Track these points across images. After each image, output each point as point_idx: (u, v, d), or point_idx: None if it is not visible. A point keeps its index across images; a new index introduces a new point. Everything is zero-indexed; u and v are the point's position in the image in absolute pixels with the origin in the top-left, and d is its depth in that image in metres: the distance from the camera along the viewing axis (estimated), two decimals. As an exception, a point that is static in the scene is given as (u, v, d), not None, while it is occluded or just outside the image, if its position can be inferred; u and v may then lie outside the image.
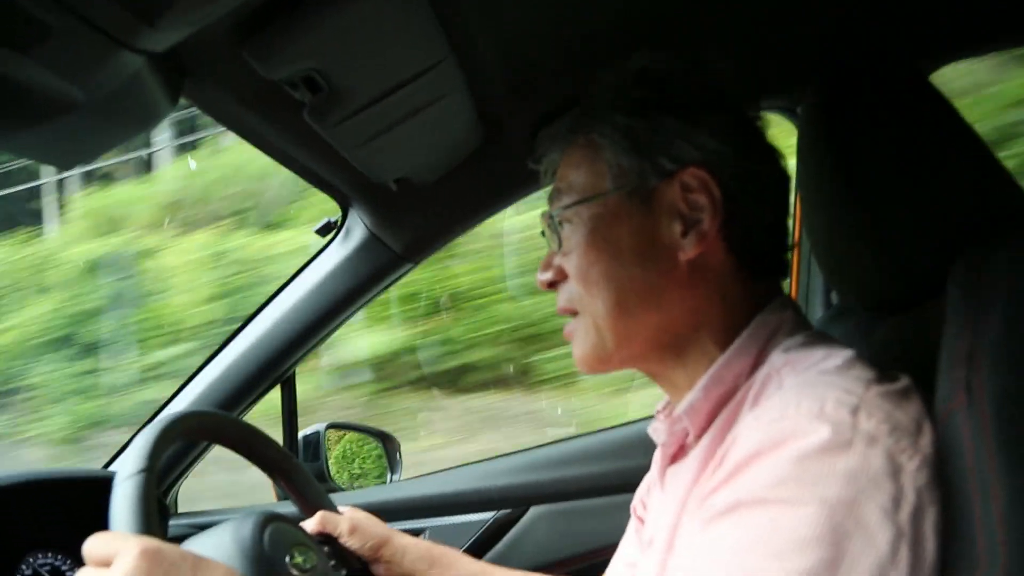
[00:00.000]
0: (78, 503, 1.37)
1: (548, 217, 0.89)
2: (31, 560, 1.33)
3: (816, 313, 1.51)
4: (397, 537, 1.10)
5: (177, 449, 1.56)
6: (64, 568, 1.35)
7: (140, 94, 0.75)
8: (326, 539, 1.05)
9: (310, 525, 1.05)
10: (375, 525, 1.10)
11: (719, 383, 0.80)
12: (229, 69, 0.85)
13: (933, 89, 0.85)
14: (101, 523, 0.80)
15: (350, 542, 1.05)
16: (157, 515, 0.80)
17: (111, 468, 1.56)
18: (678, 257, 0.82)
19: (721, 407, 0.80)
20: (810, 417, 0.66)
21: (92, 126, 0.75)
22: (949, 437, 0.66)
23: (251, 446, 1.08)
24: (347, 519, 1.07)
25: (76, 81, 0.67)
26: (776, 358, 0.78)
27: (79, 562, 0.74)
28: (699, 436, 0.81)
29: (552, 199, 0.91)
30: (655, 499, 0.93)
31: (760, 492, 0.65)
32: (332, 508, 1.11)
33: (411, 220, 1.39)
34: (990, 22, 1.10)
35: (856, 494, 0.62)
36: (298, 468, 1.13)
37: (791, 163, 0.91)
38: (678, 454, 0.86)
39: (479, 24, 0.95)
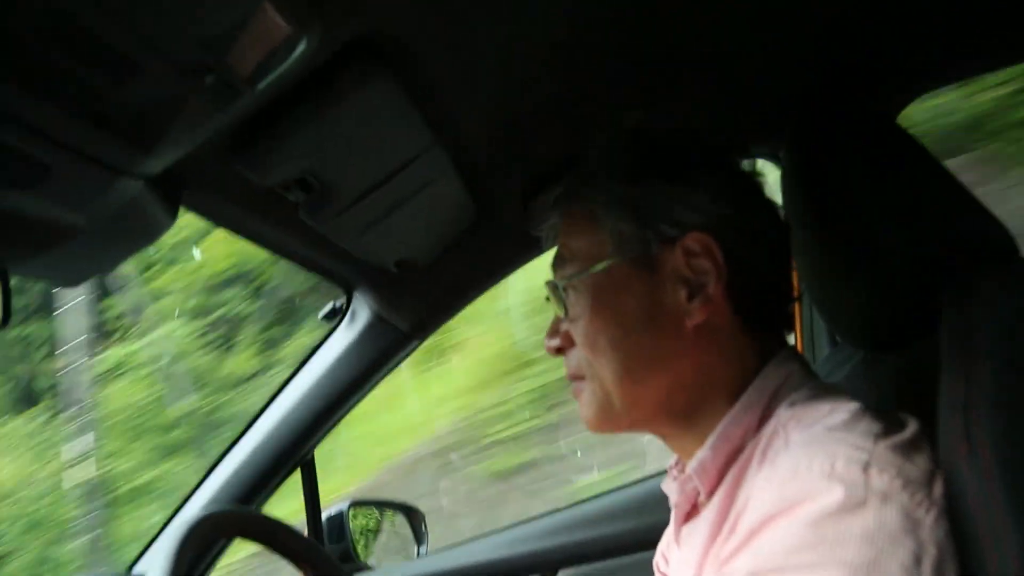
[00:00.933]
0: None
1: (552, 285, 0.89)
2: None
3: (823, 355, 1.51)
4: None
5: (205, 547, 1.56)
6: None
7: (140, 213, 0.78)
8: None
9: None
10: None
11: (727, 440, 0.79)
12: (224, 179, 0.88)
13: (899, 129, 0.87)
14: None
15: None
16: None
17: (136, 571, 1.56)
18: (684, 322, 0.81)
19: (730, 464, 0.79)
20: (822, 477, 0.65)
21: (95, 248, 0.78)
22: (955, 486, 0.66)
23: (275, 537, 1.09)
24: None
25: (77, 209, 0.70)
26: (782, 413, 0.77)
27: None
28: (710, 494, 0.80)
29: (555, 266, 0.90)
30: (673, 557, 0.92)
31: (779, 560, 0.63)
32: None
33: (414, 299, 1.41)
34: (949, 58, 1.13)
35: (876, 554, 0.60)
36: (323, 556, 1.14)
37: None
38: (691, 513, 0.86)
39: (459, 109, 0.98)
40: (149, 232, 0.82)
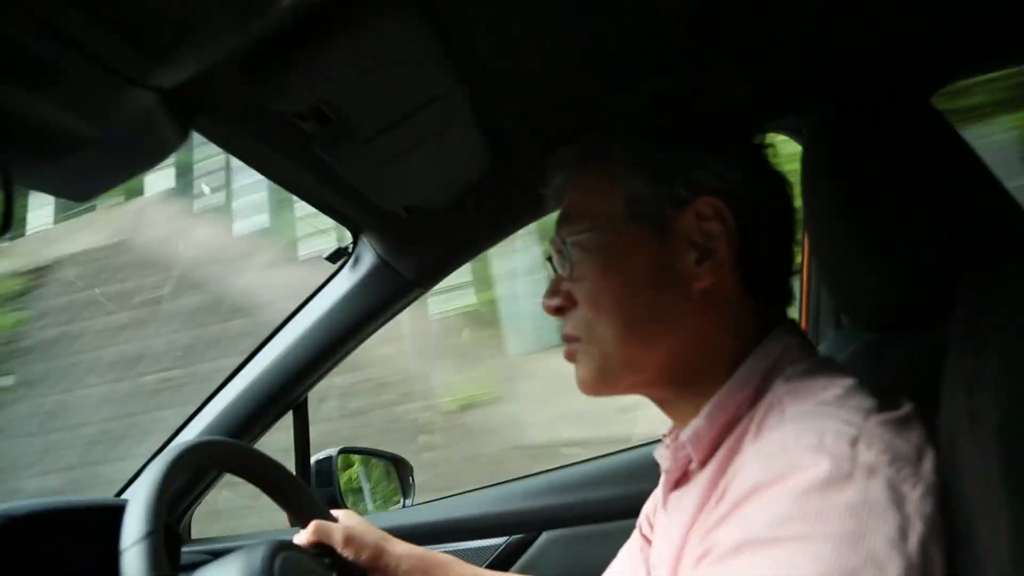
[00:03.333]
0: (93, 531, 1.37)
1: (559, 242, 0.88)
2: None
3: (828, 335, 1.50)
4: (391, 546, 1.10)
5: (189, 477, 1.57)
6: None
7: (151, 129, 0.76)
8: (326, 552, 1.05)
9: (304, 536, 1.04)
10: (369, 533, 1.09)
11: (722, 410, 0.79)
12: (238, 103, 0.86)
13: (933, 111, 0.85)
14: (114, 549, 0.80)
15: (346, 553, 1.05)
16: (165, 549, 0.81)
17: (124, 496, 1.57)
18: (692, 286, 0.81)
19: (725, 435, 0.79)
20: (809, 450, 0.65)
21: (105, 161, 0.77)
22: (952, 462, 0.66)
23: (266, 477, 1.09)
24: (341, 528, 1.06)
25: (89, 118, 0.68)
26: (779, 387, 0.77)
27: None
28: (703, 464, 0.80)
29: (561, 224, 0.90)
30: (660, 522, 0.92)
31: (765, 531, 0.63)
32: (327, 517, 1.10)
33: (421, 246, 1.40)
34: (988, 44, 1.10)
35: (861, 527, 0.60)
36: (296, 484, 1.13)
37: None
38: (681, 480, 0.85)
39: (486, 54, 0.96)
40: (157, 150, 0.81)
